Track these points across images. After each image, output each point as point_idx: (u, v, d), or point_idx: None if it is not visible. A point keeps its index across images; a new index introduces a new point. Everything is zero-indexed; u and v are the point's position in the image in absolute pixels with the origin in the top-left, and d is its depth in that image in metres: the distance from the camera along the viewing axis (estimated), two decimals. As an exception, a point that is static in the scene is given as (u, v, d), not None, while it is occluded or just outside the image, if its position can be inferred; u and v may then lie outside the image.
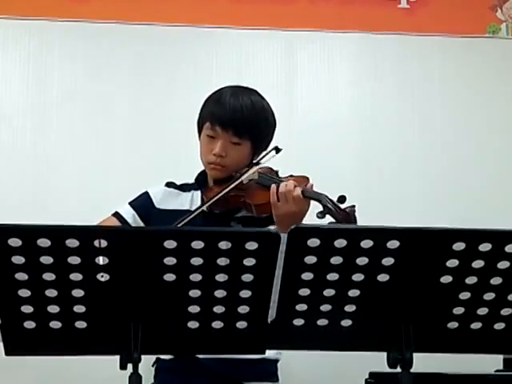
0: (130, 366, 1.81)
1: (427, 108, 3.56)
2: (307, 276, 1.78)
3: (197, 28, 3.51)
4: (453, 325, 1.89)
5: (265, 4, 3.57)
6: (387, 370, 1.87)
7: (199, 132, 2.64)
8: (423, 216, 3.36)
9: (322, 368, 3.15)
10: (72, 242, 1.71)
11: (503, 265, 1.80)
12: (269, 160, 2.56)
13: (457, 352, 1.95)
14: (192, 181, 2.70)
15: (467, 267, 1.80)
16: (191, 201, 2.64)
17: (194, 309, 1.82)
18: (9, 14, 3.43)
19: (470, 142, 3.56)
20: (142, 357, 1.81)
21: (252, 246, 1.74)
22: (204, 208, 2.51)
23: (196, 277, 1.77)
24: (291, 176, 2.53)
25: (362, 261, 1.78)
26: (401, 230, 1.78)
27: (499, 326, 1.90)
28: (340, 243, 1.75)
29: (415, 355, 1.85)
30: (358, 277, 1.80)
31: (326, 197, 2.39)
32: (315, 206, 2.41)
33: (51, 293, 1.77)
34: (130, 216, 2.60)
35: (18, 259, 1.72)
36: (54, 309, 1.79)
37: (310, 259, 1.76)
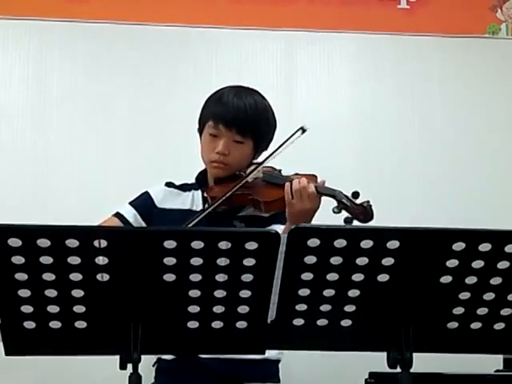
0: (129, 366, 1.81)
1: (427, 108, 3.56)
2: (307, 276, 1.78)
3: (197, 28, 3.51)
4: (453, 325, 1.89)
5: (265, 4, 3.57)
6: (387, 370, 1.87)
7: (200, 131, 2.65)
8: (423, 216, 3.35)
9: (321, 368, 3.15)
10: (72, 242, 1.71)
11: (503, 265, 1.80)
12: (294, 141, 2.55)
13: (457, 352, 1.95)
14: (191, 181, 2.70)
15: (467, 267, 1.80)
16: (192, 200, 2.64)
17: (193, 309, 1.82)
18: (9, 14, 3.43)
19: (469, 142, 3.56)
20: (142, 357, 1.81)
21: (252, 246, 1.74)
22: (214, 207, 2.50)
23: (196, 277, 1.77)
24: (297, 174, 2.54)
25: (361, 261, 1.78)
26: (401, 230, 1.78)
27: (499, 326, 1.90)
28: (340, 243, 1.75)
29: (415, 355, 1.85)
30: (357, 277, 1.80)
31: (341, 192, 2.40)
32: (327, 203, 2.41)
33: (51, 293, 1.77)
34: (132, 216, 2.60)
35: (18, 259, 1.72)
36: (53, 309, 1.79)
37: (310, 259, 1.76)
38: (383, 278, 1.81)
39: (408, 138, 3.54)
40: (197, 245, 1.73)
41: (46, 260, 1.73)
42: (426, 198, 3.47)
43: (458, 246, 1.77)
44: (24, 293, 1.77)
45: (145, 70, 3.48)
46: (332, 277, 1.79)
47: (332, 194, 2.41)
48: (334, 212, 2.36)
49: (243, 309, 1.82)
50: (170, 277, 1.77)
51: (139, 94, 3.46)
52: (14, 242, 1.70)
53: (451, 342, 1.92)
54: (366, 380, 2.77)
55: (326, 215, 2.34)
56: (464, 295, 1.84)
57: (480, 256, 1.79)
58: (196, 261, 1.75)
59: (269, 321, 1.85)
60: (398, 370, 1.85)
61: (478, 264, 1.80)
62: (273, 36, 3.55)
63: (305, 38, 3.56)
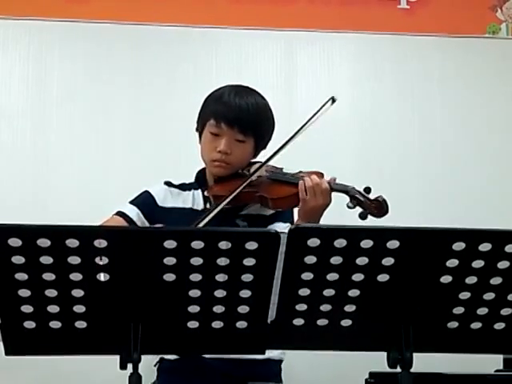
0: (130, 366, 1.81)
1: (427, 108, 3.56)
2: (307, 276, 1.78)
3: (197, 28, 3.51)
4: (453, 325, 1.89)
5: (264, 4, 3.57)
6: (387, 369, 1.87)
7: (200, 130, 2.64)
8: (423, 216, 3.35)
9: (322, 368, 3.15)
10: (72, 242, 1.71)
11: (503, 265, 1.80)
12: (325, 112, 2.57)
13: (457, 352, 1.95)
14: (189, 180, 2.70)
15: (467, 267, 1.80)
16: (193, 199, 2.64)
17: (193, 309, 1.82)
18: (9, 14, 3.43)
19: (469, 141, 3.56)
20: (143, 357, 1.81)
21: (252, 245, 1.74)
22: (223, 205, 2.49)
23: (196, 277, 1.77)
24: (300, 172, 2.54)
25: (361, 261, 1.78)
26: (401, 230, 1.78)
27: (499, 325, 1.90)
28: (340, 243, 1.75)
29: (415, 355, 1.85)
30: (357, 277, 1.80)
31: (354, 188, 2.41)
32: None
33: (51, 293, 1.77)
34: (135, 214, 2.59)
35: (18, 259, 1.72)
36: (53, 309, 1.79)
37: (310, 259, 1.76)
38: (383, 277, 1.81)
39: (408, 137, 3.54)
40: (197, 245, 1.73)
41: (46, 260, 1.73)
42: (426, 198, 3.47)
43: (458, 246, 1.77)
44: (24, 293, 1.77)
45: (145, 69, 3.48)
46: (332, 277, 1.79)
47: (345, 189, 2.42)
48: (349, 207, 2.38)
49: (243, 309, 1.82)
50: (170, 277, 1.77)
51: (139, 94, 3.46)
52: (14, 242, 1.70)
53: (451, 341, 1.92)
54: (366, 380, 2.77)
55: (338, 212, 2.36)
56: (464, 295, 1.84)
57: (480, 256, 1.79)
58: (196, 261, 1.75)
59: (269, 321, 1.85)
60: (398, 369, 1.85)
61: (478, 264, 1.80)
62: (273, 36, 3.55)
63: (305, 37, 3.56)
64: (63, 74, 3.44)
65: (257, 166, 2.60)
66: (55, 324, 1.81)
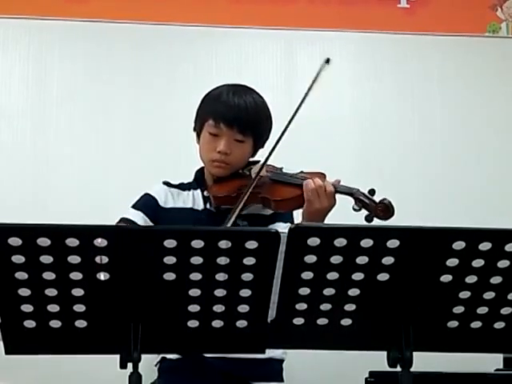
0: (130, 366, 1.81)
1: (427, 108, 3.56)
2: (307, 275, 1.78)
3: (197, 28, 3.51)
4: (453, 324, 1.89)
5: (264, 4, 3.57)
6: (387, 369, 1.87)
7: (198, 130, 2.64)
8: (423, 216, 3.35)
9: (322, 367, 3.15)
10: (72, 241, 1.71)
11: (503, 264, 1.80)
12: (321, 72, 2.58)
13: (457, 351, 1.95)
14: (187, 180, 2.70)
15: (467, 266, 1.80)
16: (193, 199, 2.64)
17: (193, 308, 1.81)
18: (9, 14, 3.43)
19: (469, 141, 3.56)
20: (143, 356, 1.81)
21: (252, 245, 1.74)
22: (241, 206, 2.47)
23: (196, 276, 1.77)
24: (302, 172, 2.54)
25: (362, 260, 1.78)
26: (401, 230, 1.78)
27: (499, 325, 1.90)
28: (340, 242, 1.75)
29: (415, 354, 1.85)
30: (357, 276, 1.80)
31: (358, 190, 2.40)
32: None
33: (51, 292, 1.77)
34: (140, 218, 2.57)
35: (18, 258, 1.72)
36: (54, 308, 1.79)
37: (310, 258, 1.76)
38: (383, 277, 1.81)
39: (408, 137, 3.54)
40: (197, 244, 1.73)
41: (46, 259, 1.72)
42: (426, 198, 3.47)
43: (458, 245, 1.77)
44: (24, 292, 1.76)
45: (145, 69, 3.48)
46: (332, 276, 1.79)
47: (350, 192, 2.42)
48: (355, 210, 2.37)
49: (243, 308, 1.82)
50: (170, 276, 1.76)
51: (139, 94, 3.46)
52: (14, 242, 1.70)
53: (451, 341, 1.91)
54: (366, 379, 2.77)
55: (343, 214, 2.35)
56: (464, 294, 1.84)
57: (480, 255, 1.78)
58: (196, 260, 1.75)
59: (269, 320, 1.85)
60: (399, 369, 1.85)
61: (478, 263, 1.79)
62: (273, 36, 3.55)
63: (305, 37, 3.56)
64: (63, 74, 3.45)
65: (260, 164, 2.58)
66: (55, 323, 1.81)
